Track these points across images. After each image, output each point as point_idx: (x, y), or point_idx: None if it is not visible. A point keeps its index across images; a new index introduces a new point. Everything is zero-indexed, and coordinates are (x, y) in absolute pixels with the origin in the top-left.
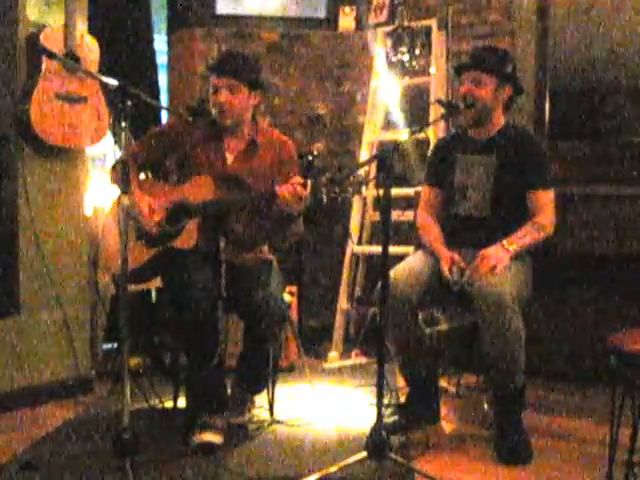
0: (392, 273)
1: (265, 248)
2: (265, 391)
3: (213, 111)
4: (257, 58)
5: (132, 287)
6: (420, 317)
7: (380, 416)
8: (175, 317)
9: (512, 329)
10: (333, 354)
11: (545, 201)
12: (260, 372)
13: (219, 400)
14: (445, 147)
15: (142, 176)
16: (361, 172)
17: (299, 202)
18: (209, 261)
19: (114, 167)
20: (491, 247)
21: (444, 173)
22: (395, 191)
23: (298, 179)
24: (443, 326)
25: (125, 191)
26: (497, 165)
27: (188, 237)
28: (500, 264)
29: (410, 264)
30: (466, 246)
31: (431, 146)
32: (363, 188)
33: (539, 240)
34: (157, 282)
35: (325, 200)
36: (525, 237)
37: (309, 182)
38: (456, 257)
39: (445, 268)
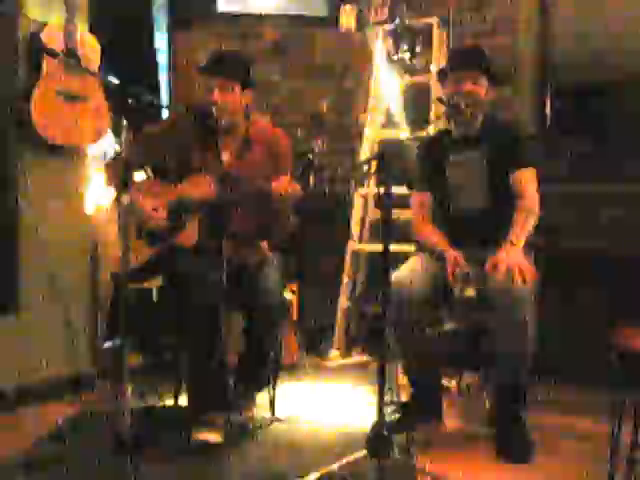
0: (394, 277)
1: (264, 245)
2: (266, 389)
3: (212, 109)
4: (248, 59)
5: (132, 285)
6: (425, 318)
7: (381, 414)
8: (178, 314)
9: (527, 326)
10: (334, 352)
11: (525, 180)
12: (261, 370)
13: (220, 398)
14: (430, 149)
15: (142, 175)
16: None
17: (291, 197)
18: (211, 258)
19: (107, 166)
20: (500, 252)
21: (434, 175)
22: (396, 189)
23: (288, 178)
24: (447, 326)
25: (124, 190)
26: (487, 157)
27: (190, 235)
28: (515, 263)
29: (412, 267)
30: (470, 243)
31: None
32: (365, 184)
33: (533, 226)
34: (158, 282)
35: (327, 192)
36: (524, 228)
37: (311, 176)
38: (460, 259)
39: (451, 276)
